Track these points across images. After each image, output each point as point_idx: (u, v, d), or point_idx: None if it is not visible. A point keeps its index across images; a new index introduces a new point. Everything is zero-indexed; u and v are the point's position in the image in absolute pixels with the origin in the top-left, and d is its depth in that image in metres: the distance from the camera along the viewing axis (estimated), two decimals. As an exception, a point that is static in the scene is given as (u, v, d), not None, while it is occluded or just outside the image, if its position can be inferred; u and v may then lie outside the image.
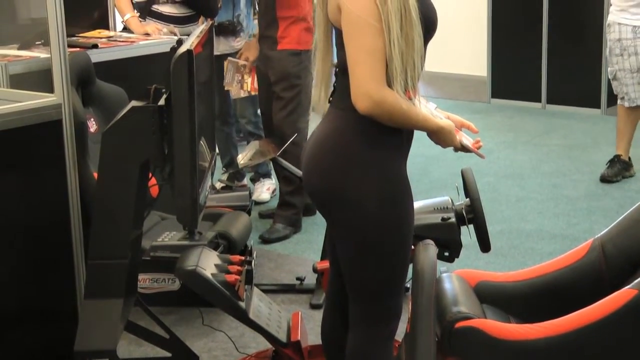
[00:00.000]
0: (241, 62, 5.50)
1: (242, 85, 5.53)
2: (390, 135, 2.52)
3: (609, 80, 6.25)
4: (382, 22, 2.39)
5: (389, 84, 2.43)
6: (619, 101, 6.11)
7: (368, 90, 2.42)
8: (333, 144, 2.54)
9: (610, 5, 6.04)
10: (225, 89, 5.64)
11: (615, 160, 6.09)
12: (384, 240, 2.54)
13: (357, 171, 2.51)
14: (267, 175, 5.92)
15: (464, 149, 2.72)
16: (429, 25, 2.51)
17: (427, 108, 2.71)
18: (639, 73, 5.94)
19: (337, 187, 2.53)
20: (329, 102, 2.63)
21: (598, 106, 7.94)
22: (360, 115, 2.46)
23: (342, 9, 2.45)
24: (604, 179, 6.02)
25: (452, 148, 2.70)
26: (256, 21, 5.85)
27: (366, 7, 2.40)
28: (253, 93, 5.56)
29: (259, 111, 5.76)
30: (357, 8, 2.41)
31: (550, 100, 8.26)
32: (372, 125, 2.48)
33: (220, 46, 5.52)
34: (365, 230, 2.53)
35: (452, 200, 3.20)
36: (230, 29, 5.69)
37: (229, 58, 5.55)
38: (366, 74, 2.42)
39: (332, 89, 2.63)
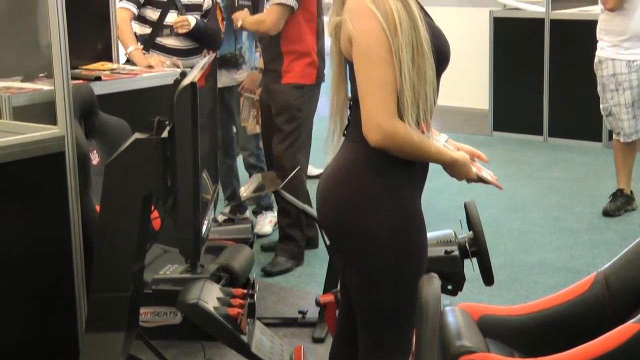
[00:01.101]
0: (256, 97, 5.53)
1: (257, 120, 5.56)
2: (403, 168, 2.52)
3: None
4: (392, 53, 2.40)
5: (401, 117, 2.43)
6: (614, 136, 6.11)
7: (379, 122, 2.42)
8: (346, 177, 2.54)
9: (598, 42, 6.04)
10: (242, 124, 5.67)
11: (617, 195, 6.08)
12: (396, 271, 2.53)
13: (371, 203, 2.50)
14: (269, 207, 5.91)
15: (480, 180, 2.71)
16: (441, 57, 2.51)
17: (438, 140, 2.70)
18: (633, 108, 5.95)
19: (350, 219, 2.52)
20: (344, 134, 2.63)
21: (600, 139, 7.94)
22: (372, 147, 2.46)
23: (353, 41, 2.46)
24: (607, 213, 6.01)
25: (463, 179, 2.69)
26: (258, 53, 5.87)
27: (376, 38, 2.41)
28: None
29: (261, 144, 5.77)
30: (368, 40, 2.42)
31: (552, 134, 8.26)
32: (384, 157, 2.48)
33: (222, 78, 5.54)
34: (378, 261, 2.53)
35: (455, 233, 3.20)
36: (232, 62, 5.71)
37: (245, 94, 5.59)
38: (377, 106, 2.42)
39: (346, 122, 2.63)
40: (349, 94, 2.61)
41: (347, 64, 2.58)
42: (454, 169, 2.61)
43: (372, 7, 2.42)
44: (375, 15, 2.41)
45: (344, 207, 2.54)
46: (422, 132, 2.48)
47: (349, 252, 2.58)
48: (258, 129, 5.66)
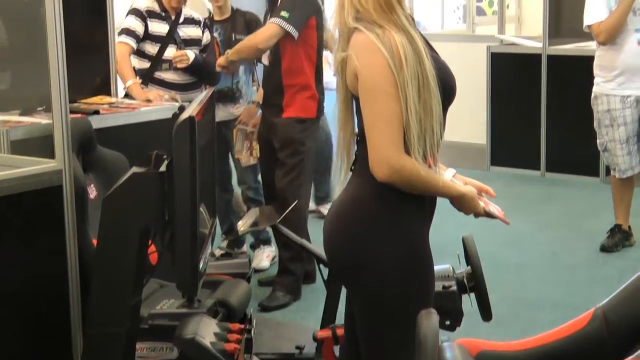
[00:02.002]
0: (249, 129, 5.53)
1: (251, 152, 5.56)
2: (411, 202, 2.52)
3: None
4: (398, 88, 2.41)
5: (408, 152, 2.43)
6: (611, 172, 6.12)
7: (386, 157, 2.42)
8: (354, 211, 2.54)
9: (594, 77, 6.07)
10: (236, 157, 5.67)
11: (615, 230, 6.07)
12: (404, 306, 2.52)
13: (379, 238, 2.50)
14: (267, 242, 5.89)
15: (487, 215, 2.71)
16: (447, 91, 2.52)
17: (446, 175, 2.70)
18: (628, 144, 5.95)
19: (358, 253, 2.52)
20: (351, 170, 2.63)
21: (597, 174, 7.95)
22: (380, 182, 2.46)
23: (359, 76, 2.47)
24: (604, 249, 6.00)
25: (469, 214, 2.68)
26: (255, 87, 5.89)
27: (382, 73, 2.41)
28: None
29: (259, 177, 5.77)
30: (374, 75, 2.42)
31: (549, 168, 8.27)
32: (392, 192, 2.48)
33: (220, 113, 5.55)
34: (386, 296, 2.52)
35: (453, 268, 3.19)
36: (229, 96, 5.73)
37: (238, 126, 5.59)
38: (384, 140, 2.42)
39: (354, 157, 2.63)
40: (356, 129, 2.61)
41: (353, 99, 2.58)
42: (462, 203, 2.61)
43: (377, 42, 2.43)
44: (380, 50, 2.42)
45: (352, 242, 2.53)
46: (429, 166, 2.49)
47: (357, 286, 2.57)
48: (252, 161, 5.65)
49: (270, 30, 5.02)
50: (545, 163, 8.29)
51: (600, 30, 5.85)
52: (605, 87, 5.95)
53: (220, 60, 5.29)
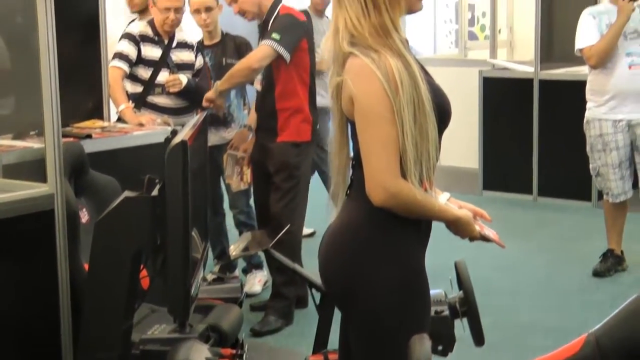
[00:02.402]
0: (240, 154, 5.53)
1: (242, 177, 5.55)
2: (407, 227, 2.52)
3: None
4: (394, 113, 2.40)
5: (404, 175, 2.43)
6: (604, 196, 6.12)
7: (383, 182, 2.42)
8: (351, 236, 2.53)
9: (586, 102, 6.09)
10: (226, 182, 5.66)
11: (607, 255, 6.07)
12: (400, 331, 2.51)
13: (375, 263, 2.50)
14: (259, 266, 5.88)
15: (483, 238, 2.71)
16: (443, 115, 2.52)
17: (440, 198, 2.70)
18: (621, 168, 5.96)
19: (354, 278, 2.51)
20: (347, 194, 2.62)
21: (589, 199, 7.95)
22: (376, 207, 2.45)
23: (355, 100, 2.46)
24: (597, 274, 5.99)
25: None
26: (246, 111, 5.90)
27: (378, 98, 2.41)
28: (251, 184, 5.57)
29: (251, 201, 5.76)
30: (370, 99, 2.42)
31: (541, 193, 8.28)
32: (388, 217, 2.48)
33: (212, 137, 5.55)
34: (381, 321, 2.51)
35: (445, 293, 3.18)
36: (221, 120, 5.72)
37: (228, 151, 5.58)
38: (380, 165, 2.42)
39: (349, 181, 2.63)
40: (351, 154, 2.61)
41: (348, 124, 2.58)
42: (458, 227, 2.61)
43: (373, 67, 2.42)
44: (376, 75, 2.42)
45: (348, 267, 2.53)
46: (425, 190, 2.49)
47: (353, 311, 2.57)
48: (242, 186, 5.64)
49: (262, 51, 5.02)
50: (538, 187, 8.30)
51: (592, 54, 5.88)
52: (597, 111, 5.97)
53: (209, 95, 5.20)
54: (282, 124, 5.14)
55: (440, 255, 6.10)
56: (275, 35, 4.97)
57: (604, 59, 5.86)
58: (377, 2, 2.48)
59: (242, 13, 5.20)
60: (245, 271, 5.93)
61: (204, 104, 5.18)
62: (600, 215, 6.30)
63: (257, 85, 5.29)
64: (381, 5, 2.48)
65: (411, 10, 2.57)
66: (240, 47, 5.80)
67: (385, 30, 2.48)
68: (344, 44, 2.50)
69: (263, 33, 5.13)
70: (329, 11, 6.83)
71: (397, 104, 2.40)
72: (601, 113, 5.94)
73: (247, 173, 5.52)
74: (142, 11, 6.26)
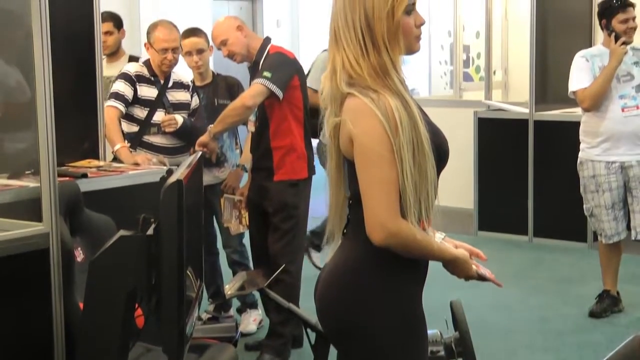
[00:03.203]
0: (237, 197, 5.54)
1: (240, 220, 5.56)
2: (405, 266, 2.52)
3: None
4: (394, 152, 2.41)
5: (403, 215, 2.43)
6: (598, 237, 6.13)
7: (383, 221, 2.42)
8: (348, 276, 2.53)
9: (580, 143, 6.11)
10: (225, 226, 5.66)
11: (603, 296, 6.06)
12: None
13: (373, 303, 2.49)
14: (253, 305, 5.87)
15: (479, 277, 2.71)
16: (441, 155, 2.53)
17: (436, 238, 2.70)
18: (614, 209, 5.96)
19: (352, 319, 2.51)
20: (343, 233, 2.62)
21: (585, 240, 7.95)
22: (375, 246, 2.45)
23: (354, 140, 2.46)
24: (593, 315, 5.98)
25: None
26: (238, 151, 5.91)
27: (378, 138, 2.41)
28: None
29: (244, 240, 5.76)
30: (369, 139, 2.42)
31: (536, 234, 8.28)
32: (387, 256, 2.47)
33: (205, 177, 5.51)
34: None
35: (441, 333, 3.17)
36: (214, 160, 5.73)
37: (225, 195, 5.59)
38: (380, 205, 2.42)
39: (346, 220, 2.63)
40: (347, 192, 2.61)
41: (346, 163, 2.58)
42: (455, 267, 2.62)
43: (373, 107, 2.43)
44: (376, 115, 2.42)
45: (345, 307, 2.52)
46: (423, 229, 2.49)
47: (350, 351, 2.55)
48: (242, 229, 5.65)
49: (255, 89, 5.03)
50: (533, 228, 8.30)
51: (584, 97, 5.92)
52: (590, 152, 5.99)
53: (203, 139, 5.18)
54: (277, 163, 5.15)
55: (436, 295, 6.10)
56: (266, 74, 5.00)
57: (596, 102, 5.90)
58: (377, 42, 2.48)
59: (231, 56, 5.23)
60: (240, 310, 5.91)
61: (197, 148, 5.16)
62: (596, 256, 6.30)
63: (251, 127, 5.31)
64: (381, 45, 2.48)
65: (410, 50, 2.57)
66: (232, 88, 5.85)
67: (384, 71, 2.48)
68: (342, 85, 2.50)
69: (254, 74, 5.16)
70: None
71: (397, 144, 2.41)
72: (594, 154, 5.96)
73: (246, 216, 5.52)
74: (112, 54, 6.35)
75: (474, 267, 2.67)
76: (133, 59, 6.28)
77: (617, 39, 5.86)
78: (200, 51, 5.76)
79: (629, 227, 6.04)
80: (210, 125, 5.25)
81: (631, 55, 6.00)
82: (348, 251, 2.56)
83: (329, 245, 2.65)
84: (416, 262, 2.55)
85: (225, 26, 5.23)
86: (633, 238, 5.96)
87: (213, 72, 5.95)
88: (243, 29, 5.21)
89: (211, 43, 5.65)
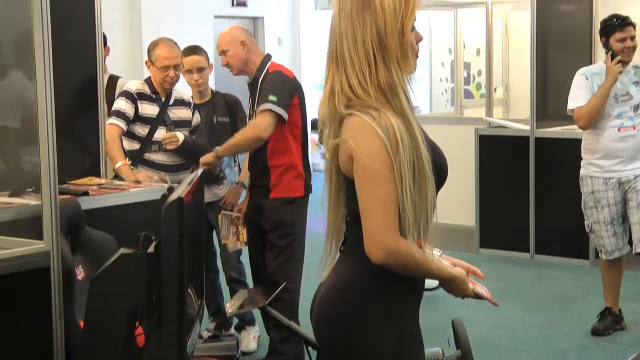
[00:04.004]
0: (234, 214, 5.53)
1: (238, 237, 5.55)
2: (404, 285, 2.51)
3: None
4: (394, 171, 2.40)
5: (402, 233, 2.43)
6: (599, 254, 6.11)
7: (382, 240, 2.41)
8: (347, 294, 2.52)
9: (581, 159, 6.11)
10: (222, 242, 5.65)
11: (606, 314, 6.04)
12: None
13: (371, 322, 2.48)
14: (251, 322, 5.86)
15: (476, 296, 2.70)
16: (441, 175, 2.53)
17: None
18: (613, 225, 5.95)
19: (349, 338, 2.49)
20: (340, 251, 2.61)
21: (587, 257, 7.94)
22: (373, 265, 2.44)
23: (355, 158, 2.45)
24: (595, 332, 5.96)
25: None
26: (236, 168, 5.92)
27: (379, 156, 2.41)
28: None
29: (241, 257, 5.75)
30: (370, 157, 2.41)
31: (538, 251, 8.27)
32: (386, 274, 2.46)
33: (205, 194, 5.54)
34: None
35: (442, 351, 3.16)
36: (213, 178, 5.73)
37: (223, 212, 5.58)
38: (380, 223, 2.41)
39: (342, 238, 2.62)
40: (345, 210, 2.60)
41: (344, 182, 2.57)
42: (452, 285, 2.61)
43: (374, 124, 2.41)
44: (377, 132, 2.41)
45: (343, 326, 2.51)
46: (420, 247, 2.48)
47: None
48: (239, 246, 5.64)
49: (267, 118, 5.00)
50: (535, 245, 8.29)
51: (580, 115, 5.93)
52: (589, 169, 6.00)
53: (208, 158, 5.21)
54: (274, 181, 5.15)
55: (437, 313, 6.09)
56: (272, 97, 5.00)
57: (592, 120, 5.91)
58: (388, 59, 2.46)
59: (229, 67, 5.26)
60: (238, 328, 5.90)
61: (202, 166, 5.17)
62: (598, 273, 6.28)
63: None
64: (392, 62, 2.47)
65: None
66: (231, 106, 5.86)
67: (393, 89, 2.46)
68: (340, 107, 2.48)
69: (253, 91, 5.17)
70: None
71: (397, 162, 2.40)
72: (593, 171, 5.97)
73: (243, 233, 5.51)
74: None
75: (470, 285, 2.66)
76: (113, 78, 6.20)
77: (613, 57, 5.87)
78: (200, 69, 5.78)
79: (631, 244, 6.03)
80: (218, 148, 5.23)
81: (632, 75, 6.01)
82: (345, 269, 2.55)
83: (326, 263, 2.64)
84: (413, 281, 2.54)
85: (229, 37, 5.25)
86: (634, 252, 5.94)
87: (212, 90, 5.96)
88: (246, 45, 5.21)
89: (211, 61, 5.66)
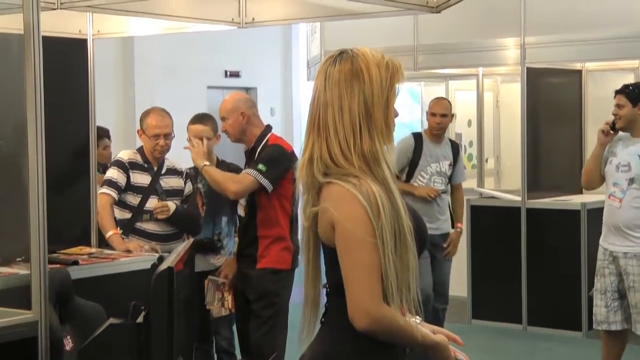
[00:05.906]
0: (221, 280, 5.50)
1: (223, 303, 5.52)
2: (387, 353, 2.49)
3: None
4: (376, 237, 2.40)
5: (385, 300, 2.42)
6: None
7: (366, 307, 2.40)
8: None
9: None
10: (207, 307, 5.61)
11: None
12: None
13: None
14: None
15: None
16: (421, 244, 2.53)
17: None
18: (606, 296, 5.88)
19: None
20: (321, 322, 2.59)
21: (580, 329, 7.88)
22: (357, 334, 2.42)
23: (336, 226, 2.44)
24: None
25: None
26: (236, 239, 5.89)
27: (361, 222, 2.40)
28: (233, 311, 5.52)
29: (233, 327, 5.71)
30: (352, 224, 2.41)
31: (531, 322, 8.21)
32: (368, 344, 2.44)
33: (199, 263, 5.49)
34: None
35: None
36: (209, 247, 5.71)
37: (210, 277, 5.55)
38: (364, 290, 2.40)
39: (322, 309, 2.60)
40: (324, 281, 2.59)
41: (325, 251, 2.56)
42: (436, 352, 2.58)
43: (355, 192, 2.42)
44: (358, 199, 2.41)
45: None
46: (403, 314, 2.47)
47: None
48: (224, 312, 5.59)
49: (244, 179, 5.05)
50: (527, 317, 8.24)
51: (582, 174, 6.01)
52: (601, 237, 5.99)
53: (197, 162, 5.30)
54: (262, 251, 5.15)
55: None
56: (261, 167, 5.02)
57: (587, 181, 6.02)
58: (373, 129, 2.48)
59: (227, 134, 5.30)
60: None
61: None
62: (591, 346, 6.24)
63: (241, 211, 5.32)
64: (377, 132, 2.48)
65: None
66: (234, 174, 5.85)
67: (375, 158, 2.47)
68: (318, 175, 2.48)
69: (249, 160, 5.19)
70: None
71: (379, 228, 2.40)
72: (600, 239, 5.96)
73: (229, 299, 5.48)
74: None
75: (452, 353, 2.65)
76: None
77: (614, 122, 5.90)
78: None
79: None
80: (208, 163, 5.26)
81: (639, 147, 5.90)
82: (327, 340, 2.53)
83: (305, 332, 2.61)
84: (396, 349, 2.52)
85: (230, 106, 5.28)
86: (634, 331, 5.86)
87: (217, 158, 5.93)
88: (245, 116, 5.23)
89: (219, 132, 5.65)
